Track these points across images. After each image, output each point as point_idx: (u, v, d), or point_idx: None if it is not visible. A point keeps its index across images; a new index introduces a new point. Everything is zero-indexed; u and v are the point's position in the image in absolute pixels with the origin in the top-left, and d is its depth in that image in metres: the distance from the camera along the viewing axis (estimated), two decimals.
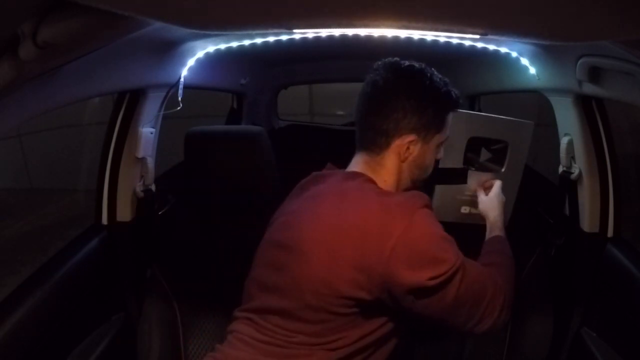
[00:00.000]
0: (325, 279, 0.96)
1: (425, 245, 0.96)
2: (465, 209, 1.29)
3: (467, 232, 1.13)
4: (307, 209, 1.06)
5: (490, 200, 1.25)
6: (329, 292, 0.96)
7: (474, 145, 1.25)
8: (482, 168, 1.27)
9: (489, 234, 1.21)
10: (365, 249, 0.95)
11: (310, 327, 0.99)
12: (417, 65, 1.11)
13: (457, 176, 1.25)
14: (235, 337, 1.05)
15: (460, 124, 1.20)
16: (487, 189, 1.28)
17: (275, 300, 1.02)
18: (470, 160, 1.27)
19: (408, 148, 1.08)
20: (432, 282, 0.95)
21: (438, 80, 1.10)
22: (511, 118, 1.23)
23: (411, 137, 1.07)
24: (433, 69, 1.12)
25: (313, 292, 0.97)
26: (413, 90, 1.07)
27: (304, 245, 1.00)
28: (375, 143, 1.09)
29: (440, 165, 1.23)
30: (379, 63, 1.11)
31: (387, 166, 1.10)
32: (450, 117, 1.13)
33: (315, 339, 0.99)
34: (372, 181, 1.07)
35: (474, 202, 1.27)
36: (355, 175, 1.09)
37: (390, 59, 1.11)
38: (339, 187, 1.07)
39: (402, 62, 1.11)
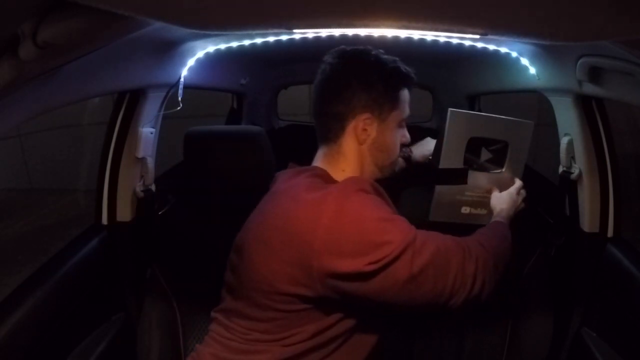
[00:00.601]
0: (266, 278, 0.98)
1: (357, 230, 0.93)
2: (465, 209, 1.28)
3: (467, 232, 1.13)
4: (257, 210, 1.10)
5: (501, 196, 1.24)
6: (270, 289, 0.98)
7: (473, 146, 1.25)
8: (482, 168, 1.27)
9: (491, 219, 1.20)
10: (297, 244, 0.95)
11: (262, 325, 1.01)
12: (362, 47, 1.10)
13: (457, 177, 1.25)
14: (209, 336, 1.10)
15: (460, 124, 1.20)
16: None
17: (232, 301, 1.08)
18: (470, 161, 1.27)
19: (365, 129, 1.07)
20: (372, 267, 0.92)
21: (384, 57, 1.09)
22: (511, 118, 1.23)
23: (365, 115, 1.06)
24: (381, 50, 1.11)
25: (257, 290, 1.00)
26: (359, 69, 1.07)
27: (249, 246, 1.03)
28: (331, 130, 1.08)
29: (440, 166, 1.23)
30: (327, 54, 1.11)
31: (345, 154, 1.08)
32: (406, 93, 1.12)
33: (269, 336, 1.01)
34: (321, 174, 1.06)
35: (474, 203, 1.27)
36: (305, 170, 1.09)
37: (338, 47, 1.11)
38: (285, 185, 1.07)
39: (347, 47, 1.11)
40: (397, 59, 1.10)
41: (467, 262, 0.98)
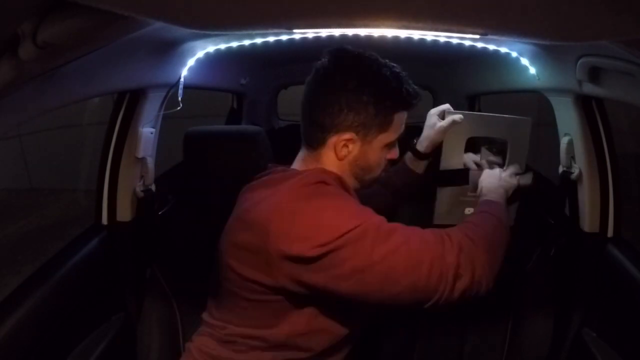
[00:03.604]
0: (232, 265, 0.99)
1: (309, 214, 0.91)
2: (469, 211, 1.28)
3: None
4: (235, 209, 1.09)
5: (492, 173, 1.17)
6: (236, 277, 0.99)
7: (473, 145, 1.25)
8: (482, 168, 1.27)
9: (482, 198, 1.13)
10: (257, 230, 0.94)
11: (235, 318, 1.03)
12: (366, 54, 1.01)
13: (458, 177, 1.25)
14: (197, 332, 1.13)
15: (457, 125, 1.20)
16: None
17: (211, 297, 1.11)
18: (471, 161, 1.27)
19: (346, 146, 1.01)
20: (318, 250, 0.88)
21: (388, 73, 0.99)
22: (508, 115, 1.23)
23: (347, 135, 1.00)
24: (387, 60, 1.01)
25: (227, 280, 1.02)
26: (353, 82, 0.98)
27: (224, 242, 1.04)
28: (312, 137, 1.03)
29: (441, 167, 1.23)
30: (328, 49, 1.03)
31: (324, 162, 1.04)
32: (402, 116, 1.04)
33: (241, 330, 1.02)
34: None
35: (475, 203, 1.27)
36: (280, 170, 1.08)
37: (340, 46, 1.02)
38: (257, 184, 1.07)
39: (351, 50, 1.01)
40: (404, 74, 1.02)
41: (448, 254, 0.90)
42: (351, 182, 1.07)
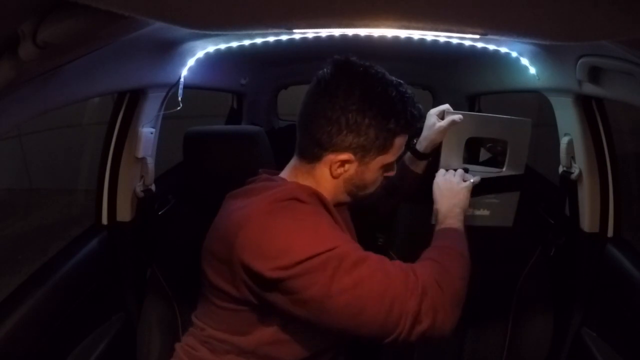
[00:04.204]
0: (205, 271, 1.01)
1: (274, 233, 0.88)
2: (468, 211, 1.28)
3: (468, 233, 1.13)
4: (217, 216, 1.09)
5: (442, 193, 1.10)
6: (209, 283, 1.00)
7: (472, 146, 1.25)
8: (482, 168, 1.27)
9: (439, 224, 1.07)
10: (226, 240, 0.93)
11: (212, 321, 1.03)
12: (372, 70, 0.95)
13: None
14: (187, 332, 1.14)
15: (457, 125, 1.20)
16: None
17: (199, 299, 1.12)
18: (470, 162, 1.27)
19: (342, 166, 0.98)
20: (277, 274, 0.85)
21: (394, 94, 0.95)
22: (508, 116, 1.23)
23: (344, 156, 0.96)
24: (395, 79, 0.96)
25: (203, 285, 1.04)
26: (356, 103, 0.92)
27: (202, 250, 1.05)
28: (308, 150, 0.99)
29: (440, 167, 1.23)
30: (333, 58, 0.97)
31: (316, 177, 1.00)
32: (403, 139, 1.00)
33: (219, 334, 1.02)
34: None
35: (476, 204, 1.27)
36: (265, 178, 1.06)
37: (346, 56, 0.97)
38: (239, 192, 1.06)
39: (357, 63, 0.96)
40: (410, 95, 0.97)
41: (410, 298, 0.86)
42: (343, 197, 1.05)
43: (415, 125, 1.00)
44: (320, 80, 0.96)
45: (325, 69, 0.97)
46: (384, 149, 0.98)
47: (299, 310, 0.89)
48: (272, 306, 0.92)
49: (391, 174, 1.08)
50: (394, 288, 0.86)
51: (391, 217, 0.99)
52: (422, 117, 1.01)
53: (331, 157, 0.97)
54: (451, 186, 1.12)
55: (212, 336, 1.04)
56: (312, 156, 0.99)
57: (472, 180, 1.15)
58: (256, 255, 0.88)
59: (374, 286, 0.86)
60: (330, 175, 1.00)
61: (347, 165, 0.98)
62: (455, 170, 1.17)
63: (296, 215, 0.91)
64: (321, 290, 0.85)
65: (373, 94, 0.94)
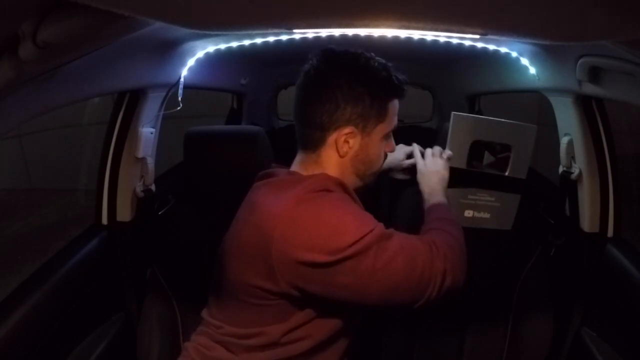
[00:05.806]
0: (235, 270, 1.02)
1: (315, 222, 0.93)
2: (469, 213, 1.28)
3: (468, 233, 1.13)
4: (235, 219, 1.10)
5: (425, 168, 1.19)
6: (239, 281, 1.01)
7: (477, 149, 1.25)
8: (485, 171, 1.27)
9: (427, 202, 1.16)
10: (260, 236, 0.96)
11: (233, 319, 1.04)
12: (352, 50, 1.03)
13: (460, 179, 1.25)
14: (196, 331, 1.15)
15: (463, 128, 1.20)
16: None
17: (212, 297, 1.13)
18: (473, 164, 1.27)
19: (347, 142, 1.02)
20: (329, 258, 0.91)
21: (376, 65, 1.02)
22: (514, 121, 1.23)
23: (348, 130, 1.01)
24: (373, 54, 1.03)
25: (229, 283, 1.04)
26: (345, 77, 1.00)
27: (228, 247, 1.06)
28: (311, 139, 1.04)
29: None
30: (313, 52, 1.04)
31: (324, 163, 1.04)
32: (395, 104, 1.06)
33: (240, 330, 1.03)
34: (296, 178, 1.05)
35: (477, 206, 1.27)
36: (285, 172, 1.09)
37: (327, 47, 1.04)
38: (265, 186, 1.07)
39: (337, 48, 1.03)
40: (390, 65, 1.04)
41: (436, 260, 0.96)
42: (353, 180, 1.08)
43: (403, 89, 1.06)
44: (308, 70, 1.03)
45: (307, 63, 1.04)
46: (380, 115, 1.03)
47: (340, 293, 0.95)
48: (308, 296, 0.96)
49: (391, 149, 1.13)
50: (421, 254, 0.96)
51: (391, 218, 1.03)
52: (407, 82, 1.06)
53: (335, 136, 1.02)
54: (431, 167, 1.20)
55: (231, 333, 1.04)
56: (315, 142, 1.04)
57: (445, 156, 1.20)
58: (298, 246, 0.92)
59: (406, 256, 0.95)
60: (338, 155, 1.04)
61: (351, 141, 1.03)
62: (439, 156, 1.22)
63: (333, 203, 0.97)
64: (368, 268, 0.92)
65: (358, 66, 1.01)
